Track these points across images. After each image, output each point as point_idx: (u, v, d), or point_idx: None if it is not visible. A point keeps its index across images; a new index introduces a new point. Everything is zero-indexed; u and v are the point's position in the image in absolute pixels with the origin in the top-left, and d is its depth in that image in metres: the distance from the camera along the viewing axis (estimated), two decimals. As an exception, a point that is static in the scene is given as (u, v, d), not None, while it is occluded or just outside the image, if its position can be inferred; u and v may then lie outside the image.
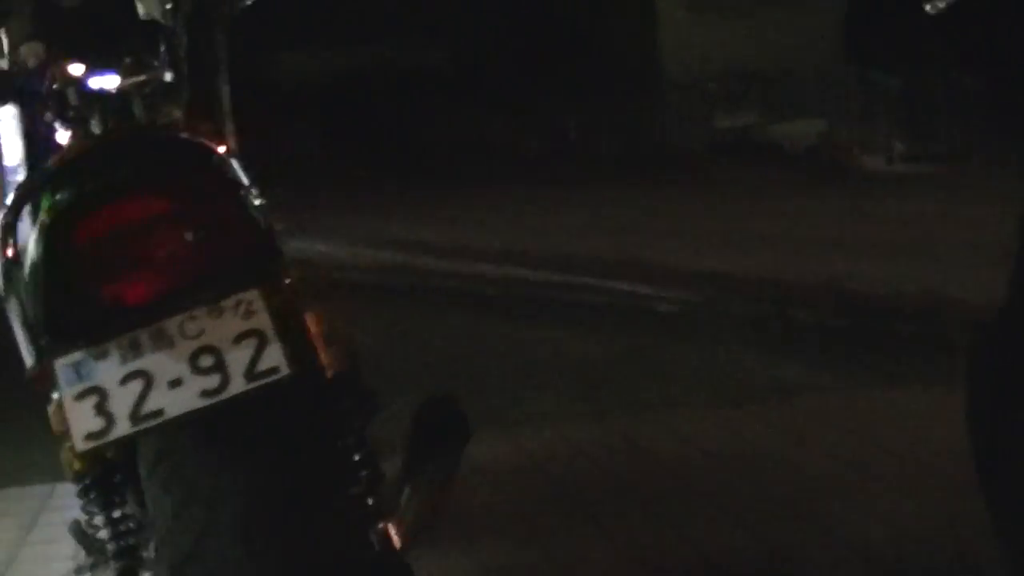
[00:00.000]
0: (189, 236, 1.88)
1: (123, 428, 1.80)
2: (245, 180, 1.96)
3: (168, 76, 2.44)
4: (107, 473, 2.02)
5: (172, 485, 1.85)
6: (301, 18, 27.68)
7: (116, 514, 2.03)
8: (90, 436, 1.80)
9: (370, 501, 2.13)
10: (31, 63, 2.48)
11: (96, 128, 2.32)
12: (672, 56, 22.67)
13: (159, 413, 1.80)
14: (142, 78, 2.46)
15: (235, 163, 1.97)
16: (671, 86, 21.86)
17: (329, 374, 2.11)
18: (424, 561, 3.16)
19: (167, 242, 1.87)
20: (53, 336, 1.86)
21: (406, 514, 2.36)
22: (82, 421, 1.80)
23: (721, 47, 21.51)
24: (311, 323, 2.17)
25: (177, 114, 2.56)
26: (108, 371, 1.82)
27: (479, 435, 4.29)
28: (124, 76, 2.47)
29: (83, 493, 2.06)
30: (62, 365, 1.84)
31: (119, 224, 1.86)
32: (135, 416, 1.79)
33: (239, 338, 1.82)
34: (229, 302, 1.85)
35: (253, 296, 1.86)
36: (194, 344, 1.82)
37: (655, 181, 16.96)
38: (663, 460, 3.90)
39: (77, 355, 1.84)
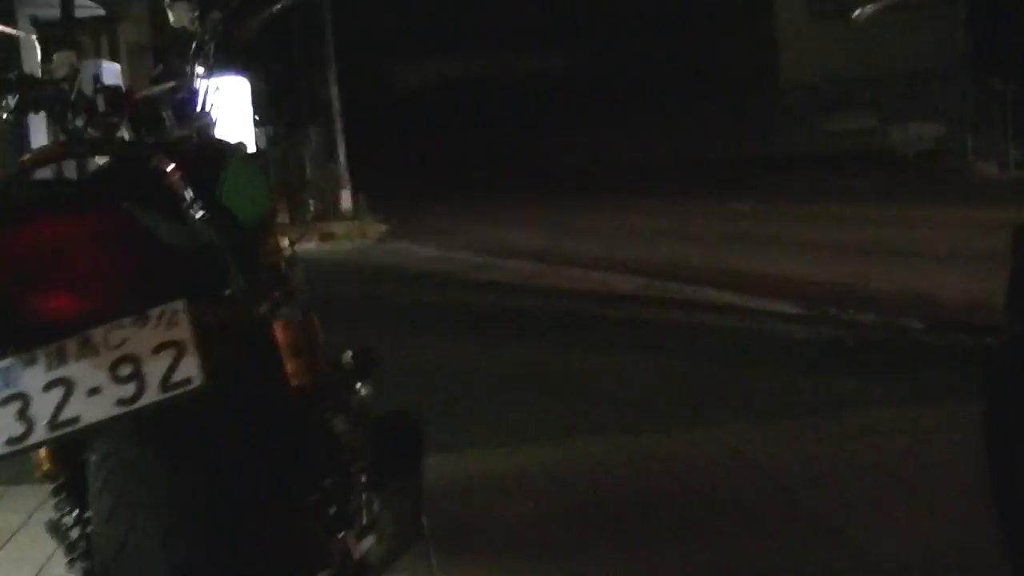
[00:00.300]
0: (117, 248, 1.90)
1: (40, 434, 1.84)
2: (188, 194, 1.96)
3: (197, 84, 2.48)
4: (78, 474, 2.06)
5: (106, 489, 1.90)
6: (415, 25, 28.00)
7: (87, 514, 2.06)
8: (10, 441, 1.84)
9: (332, 511, 2.16)
10: (62, 71, 2.55)
11: (126, 134, 2.37)
12: (790, 61, 22.44)
13: (75, 420, 1.83)
14: (171, 85, 2.52)
15: (180, 176, 1.96)
16: (790, 88, 21.62)
17: (294, 384, 2.16)
18: (444, 572, 3.18)
19: (95, 255, 1.90)
20: None
21: (385, 528, 2.37)
22: (3, 427, 1.84)
23: (840, 51, 21.21)
24: (279, 335, 2.22)
25: (202, 121, 2.59)
26: (33, 378, 1.85)
27: (502, 449, 4.29)
28: (153, 83, 2.52)
29: (55, 493, 2.13)
30: None
31: (46, 239, 1.88)
32: (53, 423, 1.83)
33: (158, 348, 1.84)
34: (155, 312, 1.86)
35: (178, 307, 1.86)
36: (116, 353, 1.84)
37: (764, 187, 16.76)
38: (695, 476, 3.83)
39: (7, 361, 1.87)
